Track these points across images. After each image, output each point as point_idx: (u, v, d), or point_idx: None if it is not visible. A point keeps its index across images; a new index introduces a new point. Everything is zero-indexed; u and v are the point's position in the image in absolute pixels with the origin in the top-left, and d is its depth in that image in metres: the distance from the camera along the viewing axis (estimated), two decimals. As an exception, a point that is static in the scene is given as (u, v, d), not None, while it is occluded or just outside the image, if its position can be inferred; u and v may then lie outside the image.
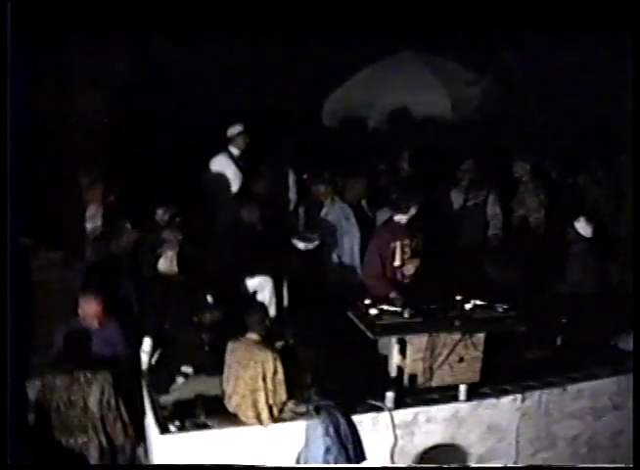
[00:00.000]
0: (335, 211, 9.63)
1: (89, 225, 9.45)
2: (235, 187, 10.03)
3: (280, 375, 7.51)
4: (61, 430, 7.48)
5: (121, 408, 7.56)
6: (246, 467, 7.46)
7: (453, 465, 8.11)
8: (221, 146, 10.28)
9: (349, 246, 9.55)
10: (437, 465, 8.00)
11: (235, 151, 10.18)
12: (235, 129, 10.23)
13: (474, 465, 8.23)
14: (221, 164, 10.12)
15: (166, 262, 8.77)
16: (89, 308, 7.83)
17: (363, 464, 7.79)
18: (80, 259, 9.09)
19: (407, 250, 8.63)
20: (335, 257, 9.61)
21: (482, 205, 10.29)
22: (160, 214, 8.99)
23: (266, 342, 7.66)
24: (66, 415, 7.45)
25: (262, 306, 8.27)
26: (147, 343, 8.15)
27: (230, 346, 7.69)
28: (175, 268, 8.76)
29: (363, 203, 9.88)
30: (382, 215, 9.61)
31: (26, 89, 7.17)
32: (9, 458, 6.72)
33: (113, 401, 7.51)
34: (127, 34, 9.46)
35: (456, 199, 10.38)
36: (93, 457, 7.50)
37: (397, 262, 8.60)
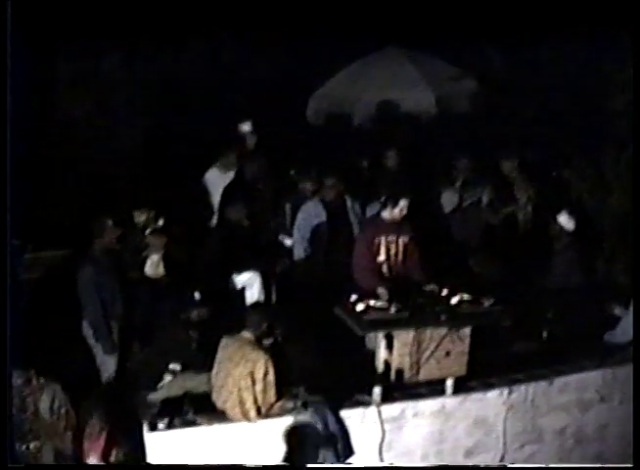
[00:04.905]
0: (307, 210, 9.57)
1: None
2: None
3: (270, 377, 7.50)
4: (15, 434, 7.07)
5: (72, 418, 7.28)
6: (246, 467, 7.46)
7: (454, 465, 8.17)
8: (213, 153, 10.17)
9: (320, 243, 9.50)
10: (437, 465, 8.04)
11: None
12: (245, 126, 10.14)
13: (474, 465, 8.30)
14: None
15: (153, 266, 8.75)
16: None
17: (352, 459, 7.83)
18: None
19: (392, 246, 8.65)
20: (303, 253, 9.54)
21: (477, 203, 10.21)
22: (144, 218, 8.93)
23: (260, 342, 7.66)
24: (18, 419, 7.09)
25: (262, 307, 8.31)
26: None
27: (223, 341, 7.68)
28: (162, 271, 8.73)
29: (348, 200, 9.77)
30: (371, 210, 9.58)
31: (26, 90, 7.15)
32: (9, 460, 6.64)
33: (63, 410, 7.24)
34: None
35: (450, 199, 10.22)
36: (48, 461, 7.16)
37: (382, 257, 8.63)
